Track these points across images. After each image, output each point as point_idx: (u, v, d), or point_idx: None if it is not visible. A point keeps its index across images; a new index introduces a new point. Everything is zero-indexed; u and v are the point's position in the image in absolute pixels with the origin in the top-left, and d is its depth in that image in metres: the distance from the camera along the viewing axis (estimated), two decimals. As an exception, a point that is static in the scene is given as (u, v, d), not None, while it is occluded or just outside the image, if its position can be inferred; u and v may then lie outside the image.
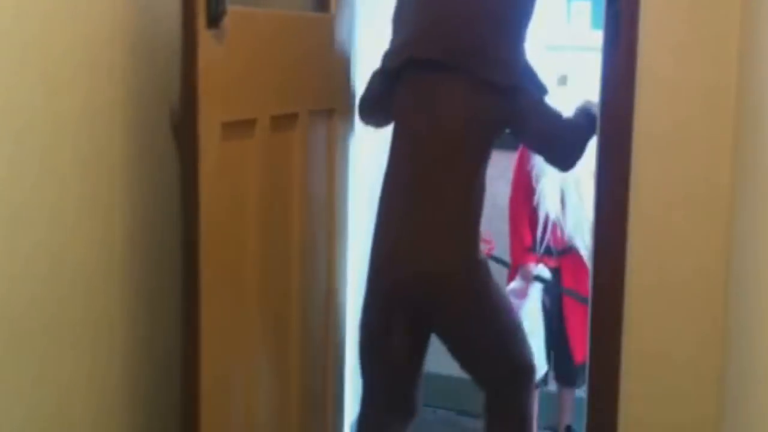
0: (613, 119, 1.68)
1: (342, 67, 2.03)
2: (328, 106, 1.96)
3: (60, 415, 1.35)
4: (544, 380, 2.54)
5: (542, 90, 1.97)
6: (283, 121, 1.76)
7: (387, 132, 2.14)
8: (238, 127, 1.60)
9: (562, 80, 2.65)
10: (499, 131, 1.99)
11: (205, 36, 1.45)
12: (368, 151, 2.43)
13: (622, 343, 1.71)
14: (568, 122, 1.99)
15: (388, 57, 2.02)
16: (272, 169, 1.73)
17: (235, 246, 1.62)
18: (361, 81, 2.15)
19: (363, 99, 2.10)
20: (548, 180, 2.51)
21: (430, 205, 1.96)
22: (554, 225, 2.54)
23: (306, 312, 1.92)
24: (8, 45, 1.21)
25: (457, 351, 2.07)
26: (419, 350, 2.09)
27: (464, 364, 2.10)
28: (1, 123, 1.21)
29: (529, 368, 2.10)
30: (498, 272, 2.32)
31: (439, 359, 2.59)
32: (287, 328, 1.86)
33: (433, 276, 1.97)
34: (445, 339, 2.06)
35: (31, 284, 1.26)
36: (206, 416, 1.51)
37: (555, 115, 1.98)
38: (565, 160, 2.05)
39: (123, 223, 1.49)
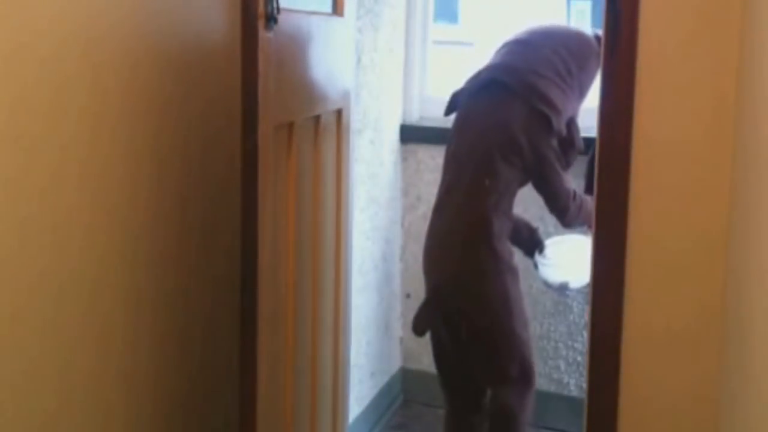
0: (613, 119, 1.68)
1: (349, 67, 2.07)
2: (338, 106, 1.99)
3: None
4: None
5: (576, 147, 2.37)
6: (311, 123, 1.79)
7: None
8: (281, 130, 1.62)
9: None
10: (526, 160, 2.31)
11: (264, 38, 1.46)
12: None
13: (621, 342, 1.71)
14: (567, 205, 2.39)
15: (471, 78, 2.46)
16: (302, 172, 1.76)
17: (280, 249, 1.71)
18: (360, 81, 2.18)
19: (451, 102, 2.51)
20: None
21: (457, 203, 2.35)
22: None
23: (321, 308, 1.98)
24: (57, 44, 1.21)
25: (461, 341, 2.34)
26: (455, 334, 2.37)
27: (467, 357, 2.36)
28: (42, 123, 1.21)
29: (518, 377, 2.31)
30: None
31: (439, 359, 2.59)
32: (311, 323, 1.91)
33: (442, 243, 2.38)
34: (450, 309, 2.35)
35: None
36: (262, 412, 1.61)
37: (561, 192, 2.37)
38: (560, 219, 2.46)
39: (165, 226, 1.51)
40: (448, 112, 2.53)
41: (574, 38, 2.42)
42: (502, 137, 2.31)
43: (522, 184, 2.37)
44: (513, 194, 2.36)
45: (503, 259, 2.32)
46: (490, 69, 2.44)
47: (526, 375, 2.33)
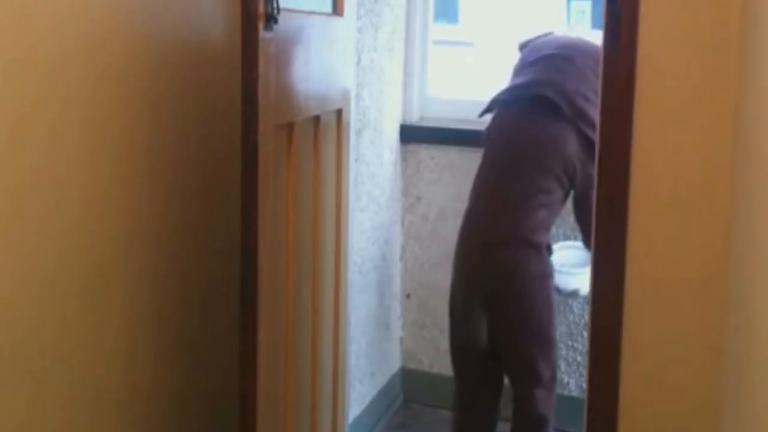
0: (613, 119, 1.68)
1: (349, 67, 2.08)
2: (338, 106, 2.00)
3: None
4: None
5: None
6: (310, 123, 1.80)
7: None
8: (281, 130, 1.62)
9: None
10: (569, 181, 2.37)
11: (264, 38, 1.46)
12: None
13: (621, 342, 1.71)
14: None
15: (508, 90, 2.51)
16: (302, 172, 1.77)
17: (280, 249, 1.72)
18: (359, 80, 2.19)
19: (490, 106, 2.56)
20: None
21: (499, 196, 2.40)
22: None
23: (320, 308, 1.98)
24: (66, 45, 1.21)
25: (491, 325, 2.36)
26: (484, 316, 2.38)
27: (496, 343, 2.37)
28: (40, 118, 1.22)
29: (550, 379, 2.35)
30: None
31: (440, 359, 2.60)
32: (311, 323, 1.91)
33: (490, 246, 2.38)
34: (489, 310, 2.36)
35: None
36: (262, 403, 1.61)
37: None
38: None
39: (163, 222, 1.50)
40: (484, 113, 2.58)
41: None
42: (558, 161, 2.37)
43: (566, 200, 2.44)
44: (559, 210, 2.43)
45: (547, 262, 2.37)
46: (538, 84, 2.47)
47: (555, 377, 2.39)
